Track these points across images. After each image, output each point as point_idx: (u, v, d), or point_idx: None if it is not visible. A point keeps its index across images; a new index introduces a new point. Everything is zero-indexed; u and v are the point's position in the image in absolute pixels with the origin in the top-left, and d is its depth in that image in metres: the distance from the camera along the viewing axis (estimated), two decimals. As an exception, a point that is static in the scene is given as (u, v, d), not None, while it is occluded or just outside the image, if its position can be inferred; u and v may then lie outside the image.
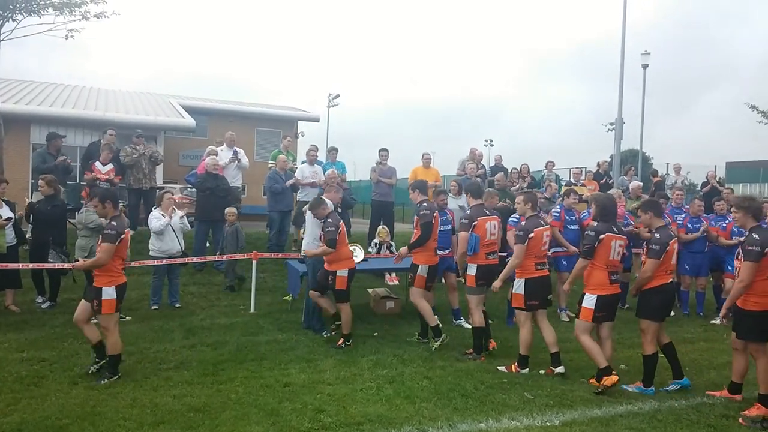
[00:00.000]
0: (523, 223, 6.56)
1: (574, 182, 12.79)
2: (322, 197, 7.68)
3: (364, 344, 7.19)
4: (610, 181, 14.67)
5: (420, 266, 7.08)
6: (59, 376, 5.84)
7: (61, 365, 6.18)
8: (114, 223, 5.85)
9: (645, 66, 28.41)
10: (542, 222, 6.55)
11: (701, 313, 9.42)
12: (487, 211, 7.03)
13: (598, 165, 14.87)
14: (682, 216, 9.51)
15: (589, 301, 5.83)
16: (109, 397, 5.31)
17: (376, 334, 7.65)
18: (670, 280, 5.94)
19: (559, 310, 9.03)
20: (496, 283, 6.53)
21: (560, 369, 6.23)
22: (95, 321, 6.09)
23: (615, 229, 5.97)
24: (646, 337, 5.80)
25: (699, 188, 16.17)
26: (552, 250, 8.77)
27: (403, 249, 7.32)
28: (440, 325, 7.10)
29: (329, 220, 7.07)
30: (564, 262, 8.89)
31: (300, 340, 7.26)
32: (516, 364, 6.35)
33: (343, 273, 7.05)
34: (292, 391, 5.52)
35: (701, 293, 9.58)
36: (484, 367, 6.43)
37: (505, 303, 8.46)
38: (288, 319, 8.25)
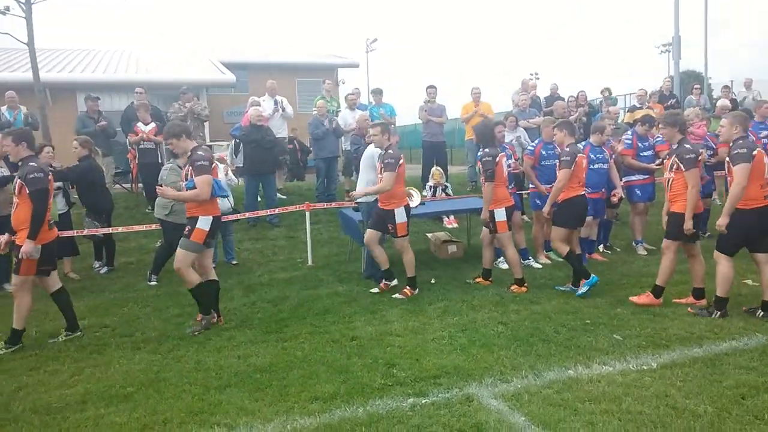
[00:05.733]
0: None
1: (638, 105, 11.90)
2: (389, 124, 7.38)
3: (429, 291, 6.83)
4: (673, 101, 13.64)
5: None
6: (121, 342, 5.70)
7: (123, 331, 6.04)
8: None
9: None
10: None
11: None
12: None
13: (663, 85, 13.88)
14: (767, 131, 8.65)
15: (500, 214, 6.67)
16: (173, 361, 5.13)
17: (433, 281, 7.24)
18: (582, 192, 6.61)
19: (635, 243, 8.48)
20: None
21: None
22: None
23: (499, 149, 7.00)
24: (556, 243, 6.61)
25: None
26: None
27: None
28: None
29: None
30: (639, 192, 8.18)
31: (362, 291, 6.93)
32: (408, 288, 6.76)
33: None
34: (360, 345, 5.22)
35: None
36: (561, 308, 5.98)
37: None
38: (347, 270, 7.94)
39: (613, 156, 8.03)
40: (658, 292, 5.94)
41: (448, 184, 10.80)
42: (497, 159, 6.70)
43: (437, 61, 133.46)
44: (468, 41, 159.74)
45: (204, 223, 5.70)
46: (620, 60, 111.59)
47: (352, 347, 5.19)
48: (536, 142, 8.19)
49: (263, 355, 5.14)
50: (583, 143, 8.01)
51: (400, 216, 6.63)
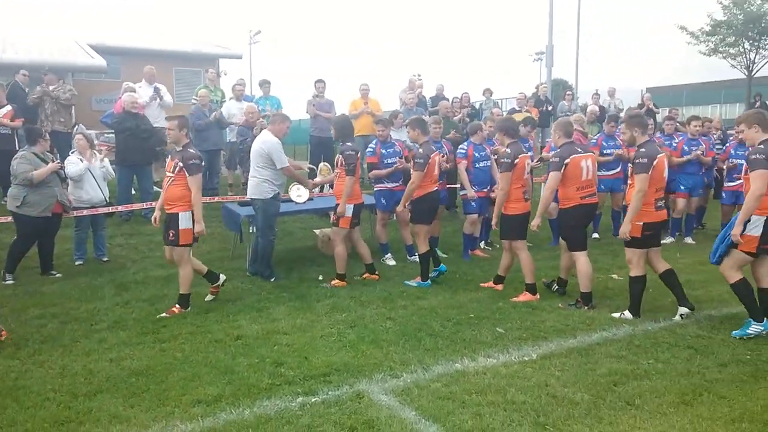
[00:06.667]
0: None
1: (518, 108, 12.49)
2: (285, 114, 7.29)
3: (317, 287, 6.72)
4: (550, 108, 14.51)
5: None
6: (-29, 348, 5.08)
7: (-28, 334, 5.38)
8: None
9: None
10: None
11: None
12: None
13: (537, 88, 14.72)
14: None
15: (349, 209, 6.73)
16: (34, 367, 4.67)
17: (321, 277, 7.12)
18: (435, 188, 6.84)
19: None
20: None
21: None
22: None
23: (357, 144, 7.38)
24: (419, 238, 6.77)
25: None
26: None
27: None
28: None
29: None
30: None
31: (247, 288, 6.69)
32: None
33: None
34: (245, 345, 5.01)
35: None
36: (447, 303, 6.10)
37: (458, 237, 8.16)
38: (231, 267, 7.60)
39: (495, 156, 8.32)
40: (531, 288, 6.26)
41: (335, 180, 10.71)
42: (358, 154, 6.81)
43: (323, 56, 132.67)
44: (354, 38, 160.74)
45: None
46: (497, 65, 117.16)
47: (237, 347, 4.98)
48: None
49: (139, 357, 4.80)
50: (466, 142, 8.25)
51: (185, 221, 5.80)
